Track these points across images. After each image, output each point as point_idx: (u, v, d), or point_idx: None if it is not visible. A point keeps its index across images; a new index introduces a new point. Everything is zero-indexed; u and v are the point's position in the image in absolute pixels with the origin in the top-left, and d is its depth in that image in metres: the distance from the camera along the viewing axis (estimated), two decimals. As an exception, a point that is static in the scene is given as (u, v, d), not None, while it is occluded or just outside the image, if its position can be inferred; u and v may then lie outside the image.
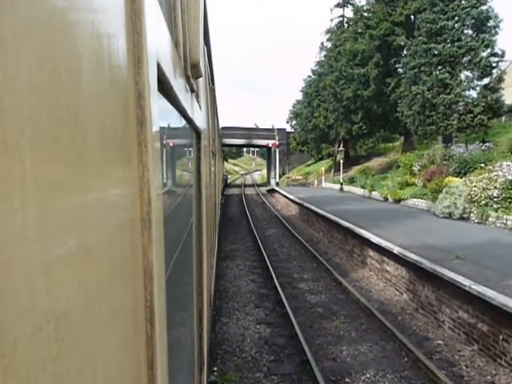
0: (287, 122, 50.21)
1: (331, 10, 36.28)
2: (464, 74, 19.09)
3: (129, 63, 0.67)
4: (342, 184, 25.15)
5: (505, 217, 11.02)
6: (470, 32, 18.97)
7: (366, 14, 27.94)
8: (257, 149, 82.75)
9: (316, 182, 31.93)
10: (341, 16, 36.14)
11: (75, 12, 0.45)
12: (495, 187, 11.86)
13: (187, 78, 1.56)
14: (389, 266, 8.93)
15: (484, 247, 8.51)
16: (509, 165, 12.59)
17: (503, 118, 22.74)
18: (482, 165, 14.29)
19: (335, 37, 34.43)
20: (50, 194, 0.38)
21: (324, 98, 33.25)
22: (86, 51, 0.48)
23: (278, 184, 35.98)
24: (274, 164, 38.29)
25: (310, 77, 42.40)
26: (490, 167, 13.18)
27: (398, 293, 8.44)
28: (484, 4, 18.52)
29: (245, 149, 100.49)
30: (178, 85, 1.25)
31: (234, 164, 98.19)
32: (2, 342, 0.29)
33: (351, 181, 25.51)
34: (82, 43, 0.47)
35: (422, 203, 15.47)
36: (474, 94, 18.94)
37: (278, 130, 42.04)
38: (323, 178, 31.30)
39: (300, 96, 45.64)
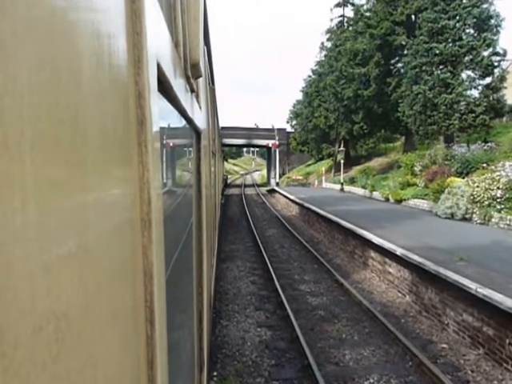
0: (287, 122, 50.36)
1: (331, 9, 36.40)
2: (465, 74, 19.05)
3: (129, 63, 0.67)
4: (342, 184, 25.13)
5: (508, 217, 10.95)
6: (472, 31, 18.94)
7: (366, 14, 27.93)
8: (257, 149, 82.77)
9: (316, 182, 31.93)
10: (341, 16, 36.19)
11: (75, 12, 0.45)
12: (498, 187, 11.79)
13: (187, 78, 1.56)
14: (391, 268, 8.87)
15: (488, 249, 8.43)
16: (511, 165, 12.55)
17: (505, 117, 22.70)
18: (485, 165, 14.25)
19: (335, 36, 34.44)
20: (50, 193, 0.38)
21: (324, 98, 33.23)
22: (86, 51, 0.48)
23: (278, 184, 35.99)
24: (274, 164, 38.31)
25: (310, 77, 42.40)
26: (493, 167, 13.14)
27: (400, 295, 8.37)
28: (486, 2, 18.49)
29: (245, 149, 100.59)
30: (178, 85, 1.25)
31: (234, 164, 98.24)
32: (3, 342, 0.29)
33: (352, 181, 25.47)
34: (82, 43, 0.47)
35: (423, 204, 15.44)
36: (475, 93, 18.92)
37: (278, 130, 42.03)
38: (323, 178, 31.29)
39: (300, 96, 45.76)
